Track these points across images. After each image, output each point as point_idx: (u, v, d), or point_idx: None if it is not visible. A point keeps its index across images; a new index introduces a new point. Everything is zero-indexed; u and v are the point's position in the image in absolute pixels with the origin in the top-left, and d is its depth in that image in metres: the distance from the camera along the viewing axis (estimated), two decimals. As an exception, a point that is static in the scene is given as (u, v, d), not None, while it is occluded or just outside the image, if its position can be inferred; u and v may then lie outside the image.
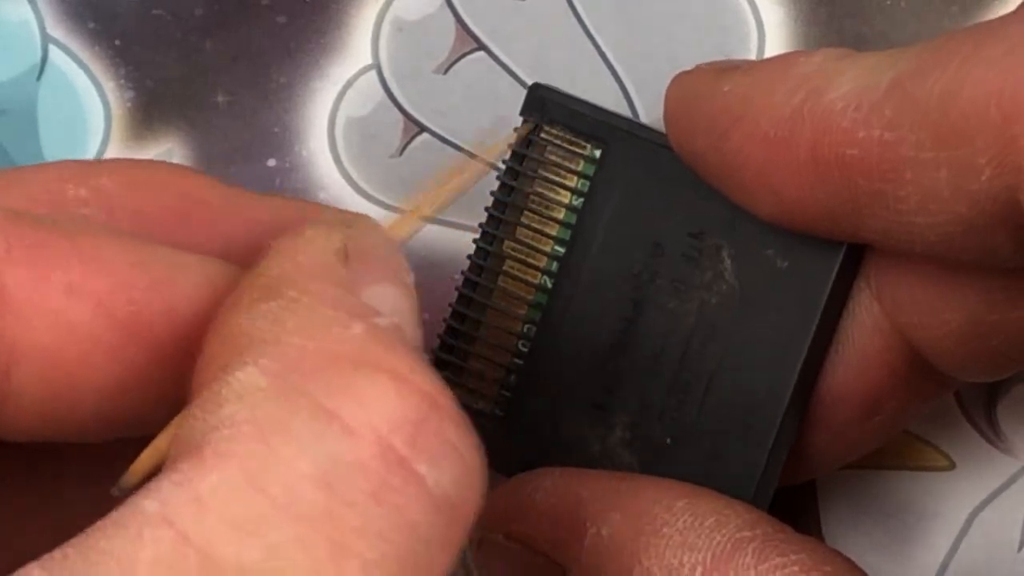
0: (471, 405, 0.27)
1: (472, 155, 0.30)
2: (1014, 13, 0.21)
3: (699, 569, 0.23)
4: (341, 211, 0.24)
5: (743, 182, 0.24)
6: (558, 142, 0.27)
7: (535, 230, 0.27)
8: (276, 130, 0.31)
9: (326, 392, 0.18)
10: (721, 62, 0.26)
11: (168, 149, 0.31)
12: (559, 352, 0.27)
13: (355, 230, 0.21)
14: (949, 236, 0.22)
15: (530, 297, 0.27)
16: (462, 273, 0.27)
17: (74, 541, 0.17)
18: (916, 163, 0.22)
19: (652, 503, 0.24)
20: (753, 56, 0.30)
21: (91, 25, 0.31)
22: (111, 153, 0.31)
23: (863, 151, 0.22)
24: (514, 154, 0.27)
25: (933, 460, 0.30)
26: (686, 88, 0.25)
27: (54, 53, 0.31)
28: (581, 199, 0.26)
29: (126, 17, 0.31)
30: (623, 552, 0.24)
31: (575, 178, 0.27)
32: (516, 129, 0.27)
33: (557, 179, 0.27)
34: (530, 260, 0.27)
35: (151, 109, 0.31)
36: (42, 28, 0.31)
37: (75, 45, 0.31)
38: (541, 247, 0.27)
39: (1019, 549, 0.30)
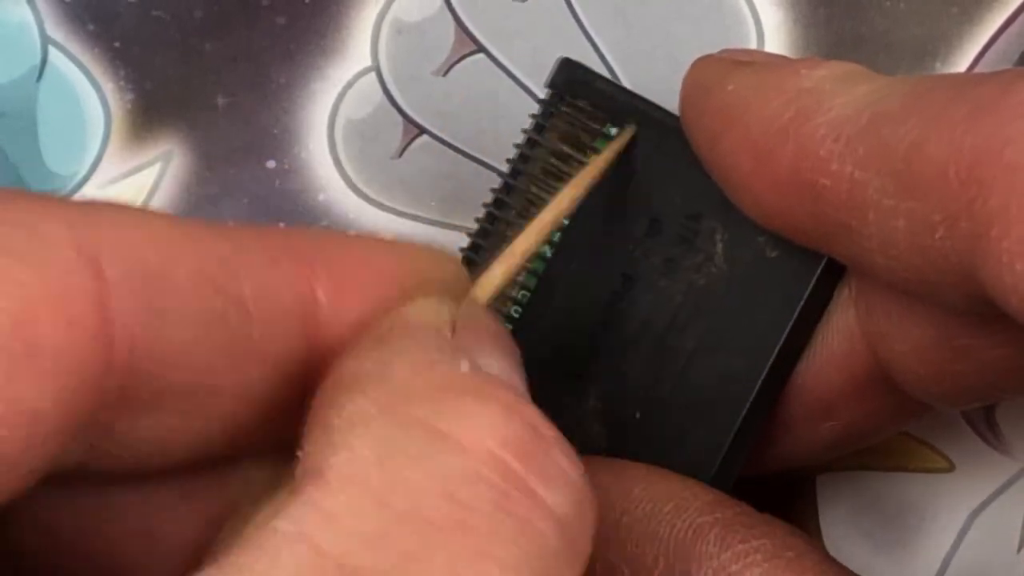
0: None
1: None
2: (989, 75, 0.21)
3: (662, 560, 0.23)
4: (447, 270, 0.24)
5: (731, 183, 0.25)
6: (579, 116, 0.27)
7: (544, 199, 0.27)
8: (276, 131, 0.31)
9: (435, 415, 0.19)
10: (738, 52, 0.26)
11: (168, 150, 0.31)
12: (547, 319, 0.27)
13: (465, 309, 0.22)
14: (905, 280, 0.22)
15: (529, 264, 0.27)
16: (468, 235, 0.28)
17: (213, 563, 0.17)
18: (878, 207, 0.22)
19: (608, 491, 0.24)
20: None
21: (91, 27, 0.31)
22: (110, 155, 0.31)
23: (834, 183, 0.22)
24: (535, 124, 0.27)
25: (932, 461, 0.30)
26: (699, 76, 0.26)
27: (54, 55, 0.31)
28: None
29: (126, 19, 0.31)
30: None
31: (589, 152, 0.27)
32: (617, 137, 0.27)
33: (572, 152, 0.27)
34: None
35: (151, 111, 0.31)
36: (42, 30, 0.31)
37: (75, 47, 0.31)
38: None
39: (1018, 550, 0.30)
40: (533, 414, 0.19)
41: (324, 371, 0.21)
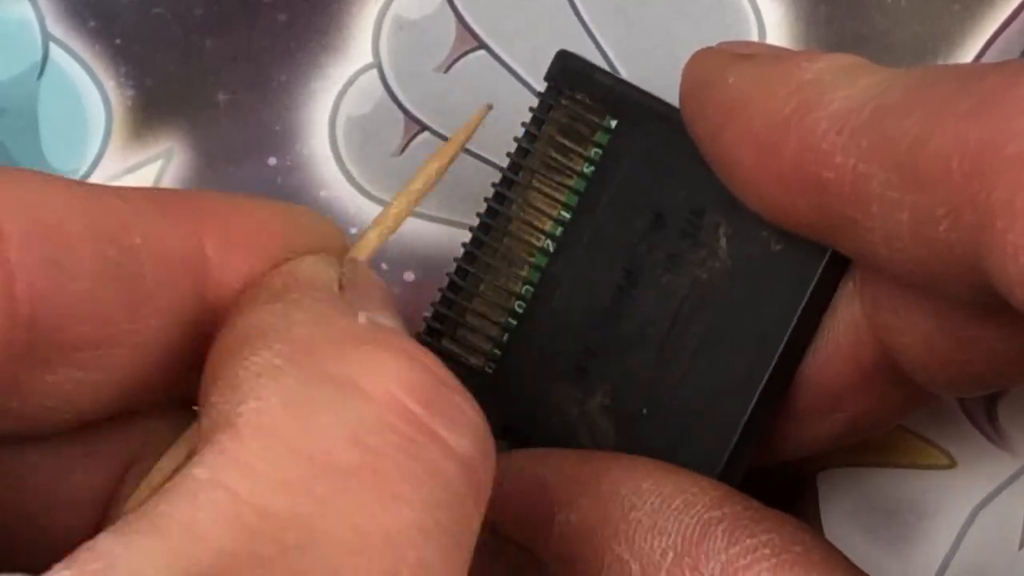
0: (463, 360, 0.27)
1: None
2: (993, 67, 0.21)
3: (670, 554, 0.23)
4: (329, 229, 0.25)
5: (734, 177, 0.25)
6: (577, 109, 0.27)
7: (545, 194, 0.27)
8: (277, 129, 0.31)
9: (339, 363, 0.19)
10: (738, 45, 0.26)
11: (168, 148, 0.31)
12: (551, 314, 0.27)
13: (347, 267, 0.23)
14: (910, 272, 0.22)
15: (532, 259, 0.27)
16: (469, 230, 0.28)
17: (135, 509, 0.18)
18: (882, 200, 0.22)
19: (618, 485, 0.25)
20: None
21: (92, 24, 0.31)
22: (112, 152, 0.31)
23: (838, 176, 0.22)
24: (534, 118, 0.27)
25: (934, 458, 0.30)
26: (699, 69, 0.26)
27: (55, 52, 0.31)
28: (593, 167, 0.27)
29: (127, 16, 0.31)
30: (593, 538, 0.24)
31: (589, 146, 0.27)
32: (475, 113, 0.27)
33: (572, 146, 0.27)
34: (536, 223, 0.27)
35: (152, 108, 0.31)
36: (43, 27, 0.31)
37: (76, 44, 0.31)
38: (548, 211, 0.27)
39: (1020, 547, 0.30)
40: (432, 361, 0.20)
41: (217, 324, 0.21)
